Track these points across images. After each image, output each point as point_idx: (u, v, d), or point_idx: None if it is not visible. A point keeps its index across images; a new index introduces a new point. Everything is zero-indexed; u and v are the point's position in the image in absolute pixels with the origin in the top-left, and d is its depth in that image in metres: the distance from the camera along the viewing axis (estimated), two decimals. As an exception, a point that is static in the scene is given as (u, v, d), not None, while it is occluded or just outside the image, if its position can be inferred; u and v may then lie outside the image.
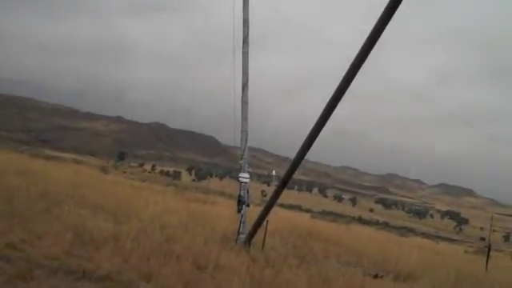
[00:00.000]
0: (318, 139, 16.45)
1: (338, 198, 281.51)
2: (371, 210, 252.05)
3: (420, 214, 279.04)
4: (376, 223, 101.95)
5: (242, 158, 22.79)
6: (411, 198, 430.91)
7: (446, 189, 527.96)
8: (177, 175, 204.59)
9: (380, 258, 23.95)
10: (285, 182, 19.41)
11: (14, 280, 9.47)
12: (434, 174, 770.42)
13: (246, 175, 22.29)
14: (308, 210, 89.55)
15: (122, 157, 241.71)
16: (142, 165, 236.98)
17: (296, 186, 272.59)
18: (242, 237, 19.97)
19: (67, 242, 13.12)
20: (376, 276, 19.43)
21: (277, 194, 19.77)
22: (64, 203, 18.85)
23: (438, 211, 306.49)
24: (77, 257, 12.23)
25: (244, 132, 22.56)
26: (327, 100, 15.24)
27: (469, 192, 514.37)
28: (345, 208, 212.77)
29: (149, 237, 15.89)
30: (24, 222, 14.19)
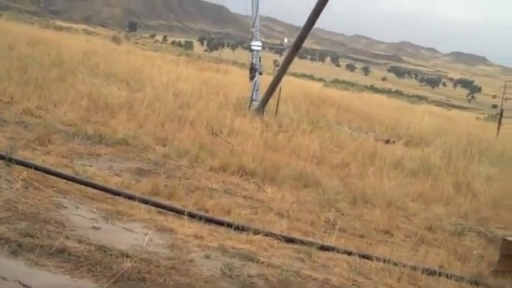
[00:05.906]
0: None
1: (351, 68, 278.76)
2: (384, 79, 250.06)
3: (432, 82, 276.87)
4: (388, 92, 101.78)
5: (253, 26, 22.49)
6: (424, 66, 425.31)
7: (459, 57, 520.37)
8: (189, 46, 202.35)
9: (392, 123, 24.17)
10: (297, 47, 19.28)
11: (32, 144, 9.62)
12: (447, 42, 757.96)
13: (258, 43, 22.11)
14: (320, 79, 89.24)
15: (133, 27, 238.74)
16: (153, 36, 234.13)
17: (309, 56, 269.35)
18: (255, 104, 20.10)
19: (83, 109, 13.33)
20: (388, 141, 19.73)
21: (289, 59, 19.72)
22: (78, 72, 18.91)
23: (451, 80, 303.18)
24: (93, 122, 12.44)
25: (254, -2, 22.10)
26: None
27: (482, 60, 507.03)
28: (357, 77, 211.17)
29: (163, 104, 16.06)
30: (39, 89, 14.32)
